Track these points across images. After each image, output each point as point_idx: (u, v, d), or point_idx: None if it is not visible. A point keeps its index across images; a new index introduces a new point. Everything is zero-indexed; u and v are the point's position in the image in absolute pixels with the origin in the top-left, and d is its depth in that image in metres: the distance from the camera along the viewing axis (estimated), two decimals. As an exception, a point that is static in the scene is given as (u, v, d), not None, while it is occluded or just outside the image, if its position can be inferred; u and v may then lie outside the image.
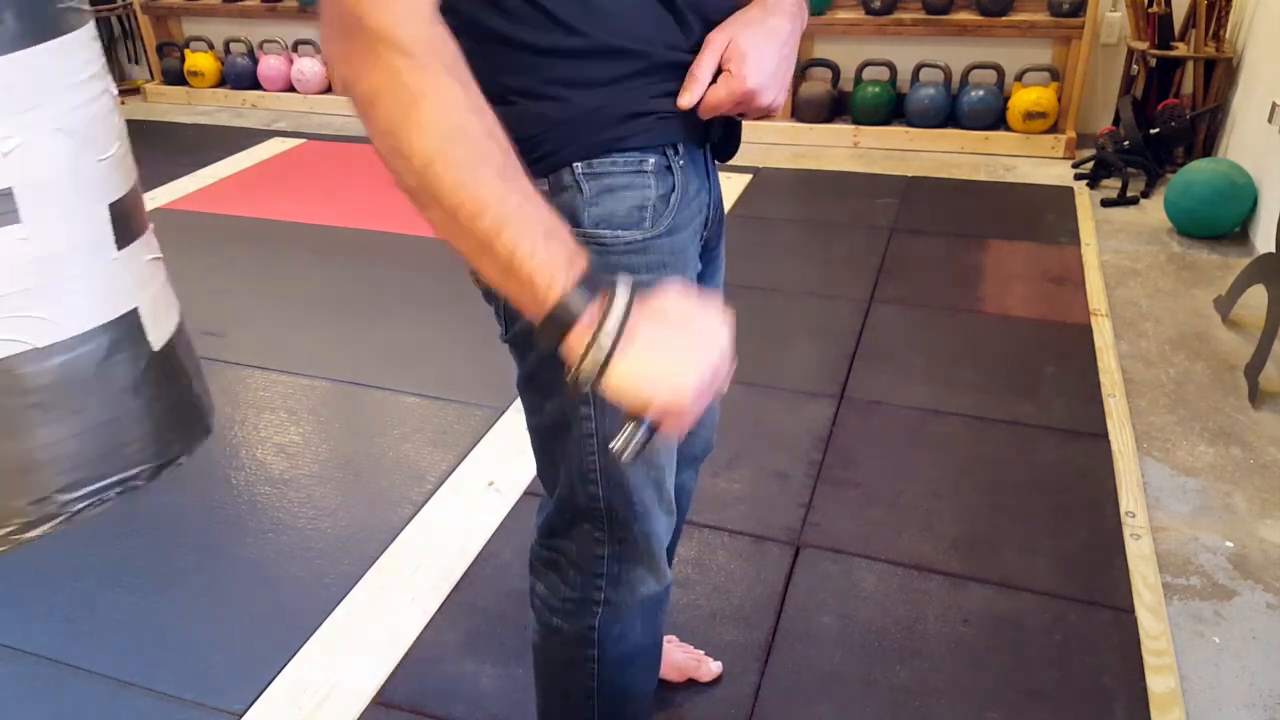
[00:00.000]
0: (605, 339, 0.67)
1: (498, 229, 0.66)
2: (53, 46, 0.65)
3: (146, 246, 0.76)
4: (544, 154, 0.79)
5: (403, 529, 1.84)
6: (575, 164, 0.80)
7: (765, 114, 0.85)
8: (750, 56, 0.80)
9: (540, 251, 0.66)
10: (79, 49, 0.68)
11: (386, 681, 1.51)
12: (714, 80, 0.81)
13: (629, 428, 0.72)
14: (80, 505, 0.73)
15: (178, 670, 1.54)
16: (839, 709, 1.44)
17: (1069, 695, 1.45)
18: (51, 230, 0.67)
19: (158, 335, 0.76)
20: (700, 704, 1.46)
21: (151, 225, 0.78)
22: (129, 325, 0.73)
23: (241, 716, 1.46)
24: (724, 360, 0.73)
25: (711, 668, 1.49)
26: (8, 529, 0.71)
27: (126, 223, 0.73)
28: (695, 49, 0.81)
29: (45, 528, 0.72)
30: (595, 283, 0.68)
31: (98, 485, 0.73)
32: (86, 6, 0.70)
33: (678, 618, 1.61)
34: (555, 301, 0.67)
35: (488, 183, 0.65)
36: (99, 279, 0.71)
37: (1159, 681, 1.46)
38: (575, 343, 0.68)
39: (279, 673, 1.53)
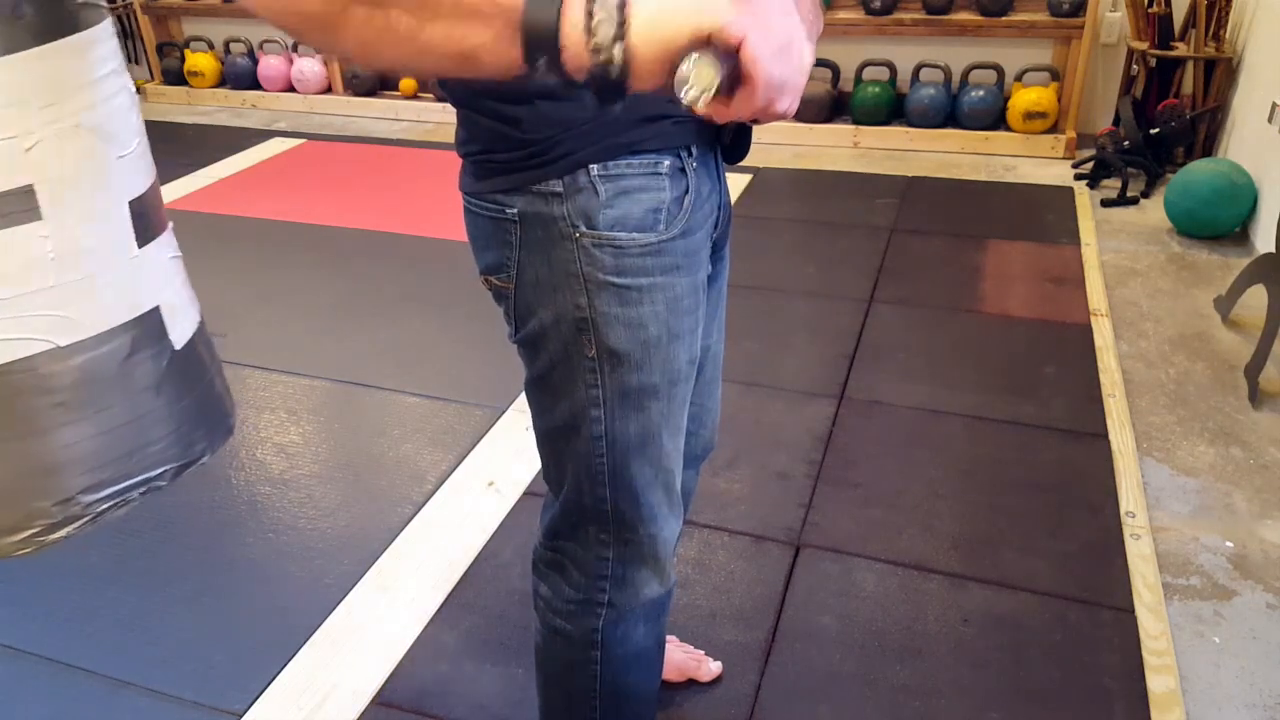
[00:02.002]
0: None
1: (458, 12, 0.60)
2: (72, 42, 0.65)
3: (167, 245, 0.76)
4: (561, 155, 0.79)
5: (403, 529, 1.84)
6: (591, 165, 0.80)
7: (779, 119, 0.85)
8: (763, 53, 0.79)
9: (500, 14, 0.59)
10: (98, 45, 0.67)
11: (386, 681, 1.51)
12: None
13: (693, 66, 0.59)
14: (104, 506, 0.72)
15: (178, 670, 1.54)
16: (839, 709, 1.44)
17: (1069, 695, 1.45)
18: (72, 228, 0.67)
19: (179, 334, 0.76)
20: (700, 704, 1.46)
21: (171, 224, 0.78)
22: (151, 324, 0.73)
23: (241, 716, 1.46)
24: None
25: (711, 668, 1.49)
26: (32, 530, 0.70)
27: (146, 220, 0.72)
28: None
29: (70, 529, 0.72)
30: None
31: (121, 485, 0.73)
32: (104, 3, 0.69)
33: (678, 618, 1.61)
34: (522, 7, 0.59)
35: None
36: (120, 277, 0.70)
37: (1159, 681, 1.46)
38: (571, 30, 0.59)
39: (279, 673, 1.53)
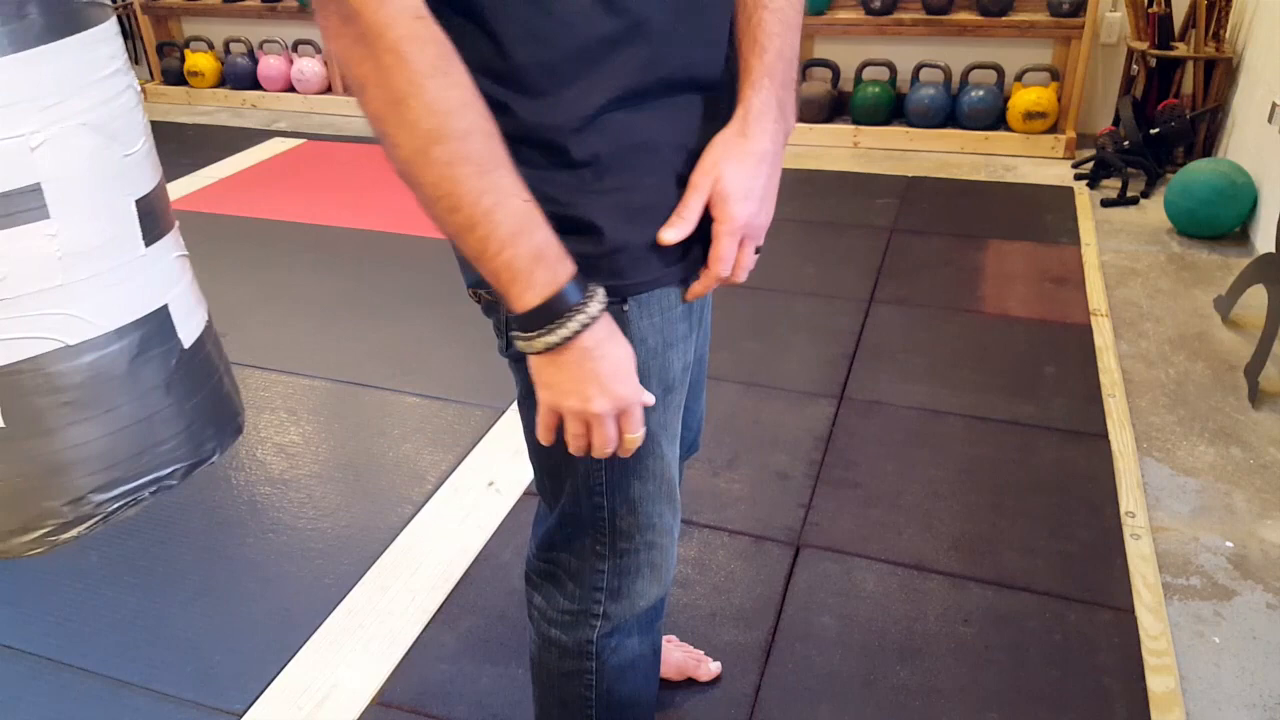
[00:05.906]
0: (573, 325, 0.74)
1: (470, 224, 0.71)
2: (77, 41, 0.65)
3: (174, 243, 0.75)
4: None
5: (403, 529, 1.84)
6: None
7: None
8: (735, 195, 0.81)
9: (506, 251, 0.72)
10: (102, 43, 0.67)
11: (386, 681, 1.51)
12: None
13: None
14: (116, 505, 0.72)
15: (178, 670, 1.54)
16: (839, 709, 1.44)
17: (1069, 695, 1.45)
18: (80, 226, 0.66)
19: (188, 332, 0.75)
20: (700, 704, 1.46)
21: (177, 223, 0.77)
22: (159, 322, 0.72)
23: (241, 716, 1.46)
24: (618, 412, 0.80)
25: (711, 668, 1.49)
26: (44, 530, 0.70)
27: (154, 219, 0.72)
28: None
29: (81, 528, 0.71)
30: (581, 285, 0.75)
31: (132, 485, 0.72)
32: (108, 2, 0.69)
33: (678, 618, 1.61)
34: (550, 295, 0.73)
35: (464, 181, 0.70)
36: (129, 275, 0.70)
37: (1159, 681, 1.46)
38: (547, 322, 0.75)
39: (279, 673, 1.53)
